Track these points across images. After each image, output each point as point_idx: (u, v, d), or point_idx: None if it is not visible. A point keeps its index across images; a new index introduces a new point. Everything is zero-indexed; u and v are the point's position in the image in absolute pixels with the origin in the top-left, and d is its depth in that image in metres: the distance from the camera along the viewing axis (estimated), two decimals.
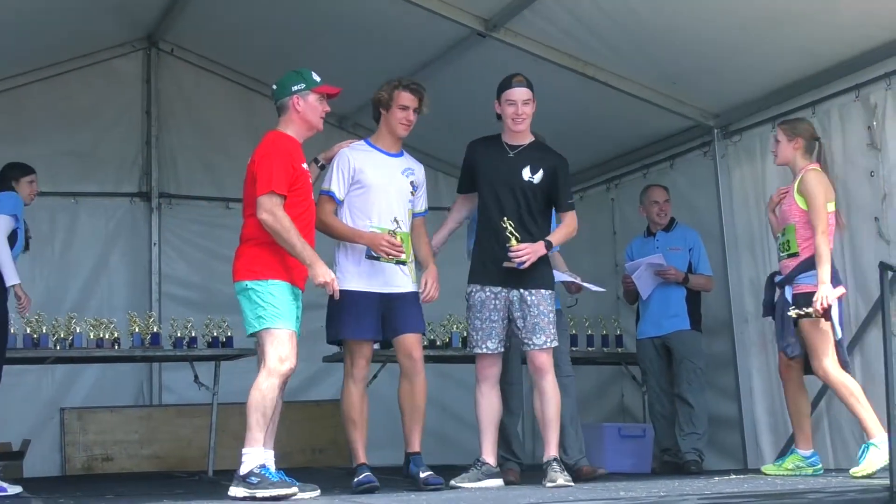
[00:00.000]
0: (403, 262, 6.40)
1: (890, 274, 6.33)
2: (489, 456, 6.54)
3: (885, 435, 6.23)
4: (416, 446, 6.49)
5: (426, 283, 6.52)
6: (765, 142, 8.01)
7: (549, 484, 6.23)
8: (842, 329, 6.56)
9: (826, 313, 6.40)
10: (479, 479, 6.42)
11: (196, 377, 8.36)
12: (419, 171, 6.66)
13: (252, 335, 5.98)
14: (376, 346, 6.70)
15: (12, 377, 9.38)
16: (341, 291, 6.16)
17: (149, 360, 9.48)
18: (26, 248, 7.87)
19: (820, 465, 6.73)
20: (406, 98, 6.48)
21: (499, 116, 6.62)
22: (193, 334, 8.43)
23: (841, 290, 6.52)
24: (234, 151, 10.32)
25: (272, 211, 5.81)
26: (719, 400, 8.50)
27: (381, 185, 6.44)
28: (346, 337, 6.40)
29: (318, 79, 6.15)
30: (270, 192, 5.83)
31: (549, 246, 6.46)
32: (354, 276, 6.37)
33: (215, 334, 8.43)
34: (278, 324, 5.82)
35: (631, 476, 7.58)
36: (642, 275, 8.23)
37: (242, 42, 10.01)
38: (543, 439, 6.51)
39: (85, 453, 9.65)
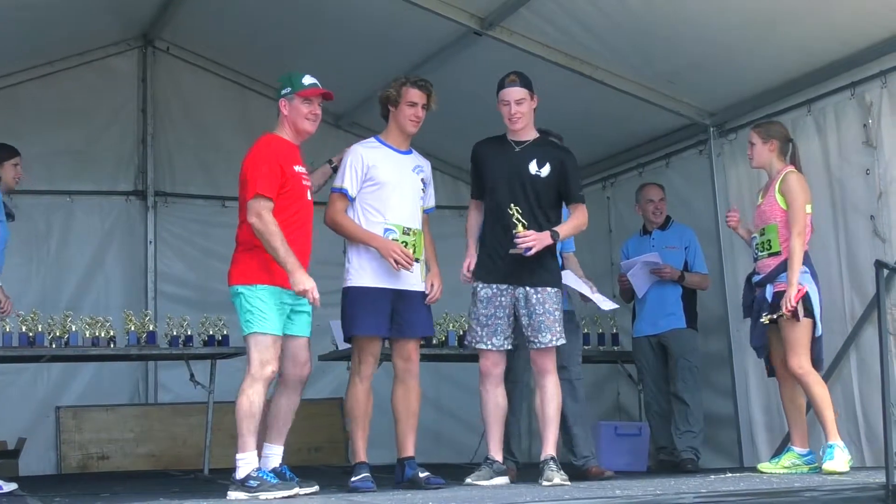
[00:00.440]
0: (416, 260, 6.41)
1: (886, 272, 6.35)
2: (497, 453, 6.55)
3: (840, 441, 6.49)
4: (410, 450, 6.49)
5: (432, 285, 6.51)
6: None
7: (545, 483, 6.23)
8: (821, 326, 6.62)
9: (795, 313, 6.47)
10: (492, 477, 6.44)
11: (192, 376, 8.35)
12: (427, 168, 6.66)
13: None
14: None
15: (8, 375, 9.43)
16: (355, 288, 6.28)
17: (144, 359, 9.48)
18: (11, 218, 7.63)
19: (816, 464, 6.74)
20: (414, 95, 6.47)
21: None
22: (189, 333, 8.43)
23: (806, 288, 6.56)
24: (229, 150, 10.30)
25: (260, 214, 5.87)
26: (715, 398, 8.51)
27: (394, 183, 6.43)
28: (358, 333, 6.36)
29: (307, 82, 6.17)
30: (257, 195, 5.89)
31: (555, 236, 6.44)
32: (369, 273, 6.35)
33: (211, 333, 8.42)
34: (262, 328, 5.89)
35: (627, 474, 7.58)
36: (638, 273, 8.23)
37: (238, 40, 10.01)
38: (542, 438, 6.51)
39: (80, 452, 9.65)
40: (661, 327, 8.24)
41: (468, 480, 6.40)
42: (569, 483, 6.23)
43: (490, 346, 6.49)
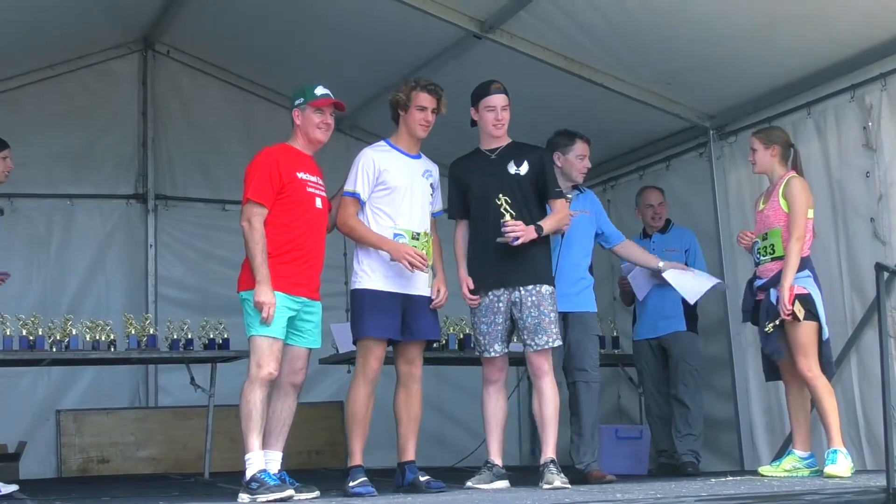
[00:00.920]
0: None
1: (886, 275, 6.35)
2: (497, 457, 6.55)
3: (808, 452, 6.58)
4: (411, 455, 6.48)
5: (439, 291, 6.51)
6: None
7: (545, 486, 6.23)
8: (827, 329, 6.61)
9: (795, 315, 6.47)
10: (493, 481, 6.43)
11: (192, 379, 8.35)
12: (436, 173, 6.66)
13: None
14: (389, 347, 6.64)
15: (8, 379, 9.43)
16: (366, 290, 6.31)
17: (145, 363, 9.48)
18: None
19: (817, 467, 6.74)
20: (424, 99, 6.47)
21: (473, 123, 6.67)
22: (189, 336, 8.42)
23: (795, 290, 6.54)
24: (229, 153, 10.34)
25: (249, 219, 6.02)
26: (716, 401, 8.51)
27: (404, 187, 6.42)
28: (368, 335, 6.34)
29: (319, 92, 6.28)
30: (249, 201, 6.02)
31: (539, 230, 6.46)
32: (379, 276, 6.35)
33: (211, 336, 8.42)
34: (260, 331, 5.96)
35: (627, 478, 7.57)
36: (638, 276, 8.22)
37: (238, 44, 10.01)
38: (541, 441, 6.51)
39: (81, 455, 9.65)
40: (661, 330, 8.23)
41: (468, 484, 6.40)
42: (569, 486, 6.22)
43: (493, 354, 6.51)
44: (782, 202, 6.68)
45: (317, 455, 10.01)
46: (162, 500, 6.10)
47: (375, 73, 9.17)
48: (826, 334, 6.59)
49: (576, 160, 7.34)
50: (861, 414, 7.21)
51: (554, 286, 6.57)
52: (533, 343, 6.43)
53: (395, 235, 6.36)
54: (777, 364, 6.81)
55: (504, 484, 6.45)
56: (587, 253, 7.38)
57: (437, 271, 6.54)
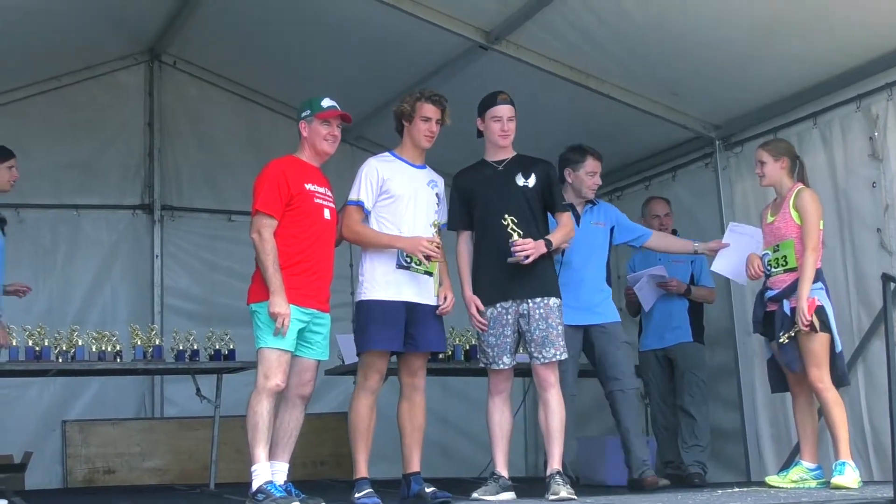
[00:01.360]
0: (430, 273, 6.38)
1: (893, 285, 6.33)
2: (503, 468, 6.53)
3: (815, 464, 6.56)
4: (416, 466, 6.47)
5: (446, 298, 6.49)
6: None
7: (551, 497, 6.20)
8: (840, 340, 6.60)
9: (813, 326, 6.46)
10: (498, 493, 6.42)
11: (198, 390, 8.35)
12: (441, 184, 6.65)
13: None
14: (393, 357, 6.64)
15: (14, 389, 9.44)
16: (369, 301, 6.29)
17: (150, 373, 9.48)
18: (2, 234, 7.54)
19: (824, 479, 6.71)
20: (429, 110, 6.47)
21: (479, 134, 6.68)
22: (195, 347, 8.42)
23: (817, 301, 6.53)
24: (236, 164, 10.36)
25: (259, 231, 6.03)
26: (722, 411, 8.49)
27: (409, 196, 6.42)
28: (369, 348, 6.32)
29: (326, 104, 6.30)
30: (258, 212, 6.04)
31: (548, 245, 6.46)
32: (383, 286, 6.33)
33: (217, 347, 8.41)
34: (267, 343, 5.98)
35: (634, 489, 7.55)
36: (644, 287, 8.21)
37: (244, 55, 10.03)
38: (547, 452, 6.50)
39: (86, 466, 9.64)
40: (667, 341, 8.22)
41: (474, 495, 6.39)
42: (575, 497, 6.21)
43: (502, 366, 6.50)
44: (794, 214, 6.67)
45: (322, 466, 9.99)
46: None
47: (381, 84, 9.17)
48: (839, 346, 6.58)
49: (586, 177, 7.35)
50: (868, 424, 7.19)
51: (560, 298, 6.57)
52: (540, 356, 6.42)
53: None
54: (784, 375, 6.80)
55: (510, 495, 6.43)
56: (603, 264, 7.39)
57: (443, 279, 6.53)
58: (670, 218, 8.44)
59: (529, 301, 6.44)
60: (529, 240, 6.39)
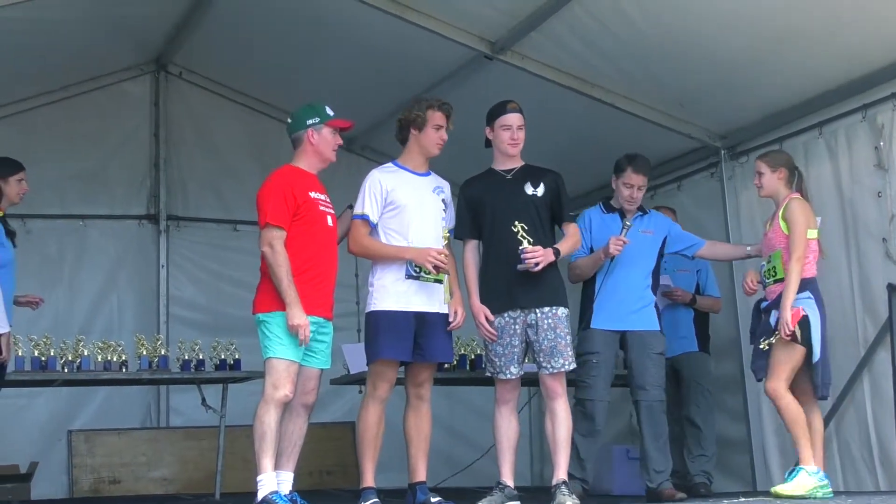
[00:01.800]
0: (441, 280, 6.37)
1: None
2: (509, 478, 6.53)
3: (817, 468, 6.41)
4: (422, 475, 6.46)
5: (456, 312, 6.48)
6: None
7: None
8: (822, 352, 6.52)
9: (794, 337, 6.42)
10: (504, 502, 6.42)
11: (203, 400, 8.35)
12: (447, 189, 6.64)
13: None
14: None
15: (20, 399, 9.44)
16: (378, 312, 6.29)
17: (156, 383, 9.48)
18: (13, 245, 7.53)
19: (827, 481, 6.66)
20: (440, 118, 6.46)
21: (487, 144, 6.68)
22: (201, 357, 8.42)
23: (801, 311, 6.50)
24: (241, 174, 10.37)
25: (270, 243, 6.00)
26: (728, 421, 8.48)
27: (414, 205, 6.41)
28: (379, 357, 6.32)
29: (331, 113, 6.30)
30: (267, 224, 6.02)
31: (556, 253, 6.47)
32: (393, 296, 6.32)
33: (223, 357, 8.42)
34: (276, 353, 5.98)
35: (639, 498, 7.55)
36: None
37: (250, 65, 10.05)
38: (553, 462, 6.49)
39: (92, 476, 9.64)
40: (673, 351, 8.18)
41: None
42: None
43: (508, 376, 6.49)
44: (782, 224, 6.65)
45: (328, 476, 9.99)
46: None
47: (387, 94, 9.18)
48: (817, 356, 6.51)
49: (622, 186, 7.29)
50: (874, 435, 7.17)
51: (568, 308, 6.56)
52: (549, 365, 6.42)
53: None
54: None
55: None
56: (648, 273, 7.31)
57: (454, 290, 6.52)
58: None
59: (537, 310, 6.44)
60: (539, 247, 6.40)
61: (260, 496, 5.83)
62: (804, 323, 6.48)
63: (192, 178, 10.65)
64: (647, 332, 7.23)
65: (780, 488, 6.39)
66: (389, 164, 6.61)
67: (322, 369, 6.25)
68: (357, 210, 6.43)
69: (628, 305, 7.19)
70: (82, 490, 9.56)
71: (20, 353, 7.90)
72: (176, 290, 10.45)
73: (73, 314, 10.05)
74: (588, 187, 9.41)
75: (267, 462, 5.87)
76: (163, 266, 10.42)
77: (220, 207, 10.61)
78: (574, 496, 6.29)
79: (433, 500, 6.33)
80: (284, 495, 5.91)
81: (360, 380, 7.74)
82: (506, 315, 6.47)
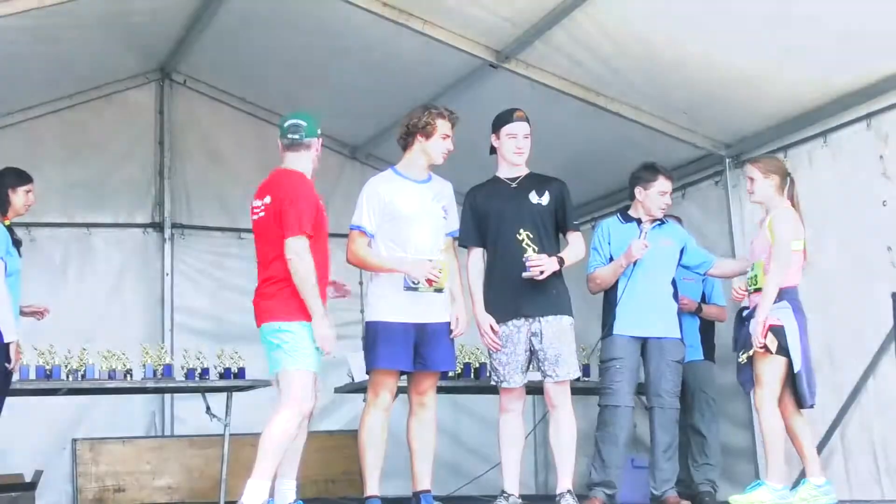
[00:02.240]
0: (440, 290, 6.36)
1: None
2: (513, 487, 6.53)
3: (783, 486, 6.39)
4: (427, 484, 6.46)
5: (458, 319, 6.47)
6: None
7: None
8: (804, 361, 6.50)
9: (766, 347, 6.40)
10: None
11: (208, 408, 8.34)
12: (447, 190, 6.62)
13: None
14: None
15: (25, 408, 9.40)
16: (377, 322, 6.30)
17: (161, 392, 9.48)
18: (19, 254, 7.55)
19: (833, 495, 6.66)
20: (447, 127, 6.47)
21: (492, 151, 6.68)
22: (205, 365, 8.42)
23: (770, 322, 6.46)
24: (246, 182, 10.29)
25: (299, 253, 5.88)
26: (732, 430, 8.46)
27: (412, 215, 6.40)
28: (380, 366, 6.33)
29: None
30: (299, 234, 5.90)
31: (561, 262, 6.49)
32: (391, 307, 6.33)
33: (227, 365, 8.42)
34: (308, 366, 5.95)
35: None
36: None
37: (255, 73, 10.06)
38: (557, 471, 6.49)
39: (97, 484, 9.63)
40: None
41: None
42: None
43: (513, 384, 6.50)
44: (769, 233, 6.63)
45: (333, 484, 9.98)
46: None
47: (391, 103, 9.19)
48: (797, 367, 6.48)
49: (657, 196, 7.32)
50: (879, 444, 7.16)
51: (573, 317, 6.56)
52: (554, 374, 6.42)
53: None
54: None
55: None
56: (667, 281, 7.34)
57: (457, 297, 6.50)
58: None
59: (542, 319, 6.44)
60: (544, 255, 6.40)
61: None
62: (779, 332, 6.44)
63: (196, 187, 10.66)
64: (668, 339, 7.23)
65: (736, 498, 6.34)
66: (388, 172, 6.60)
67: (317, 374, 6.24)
68: (355, 221, 6.42)
69: (651, 312, 7.19)
70: (87, 499, 9.56)
71: (24, 363, 7.89)
72: (180, 298, 10.44)
73: (77, 322, 10.03)
74: (593, 195, 9.42)
75: (268, 469, 5.83)
76: (167, 274, 10.42)
77: (225, 215, 10.61)
78: None
79: None
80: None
81: (364, 388, 7.75)
82: (510, 324, 6.48)
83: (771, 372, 6.45)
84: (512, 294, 6.46)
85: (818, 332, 7.37)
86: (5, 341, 6.69)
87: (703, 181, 8.90)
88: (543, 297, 6.46)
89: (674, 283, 7.40)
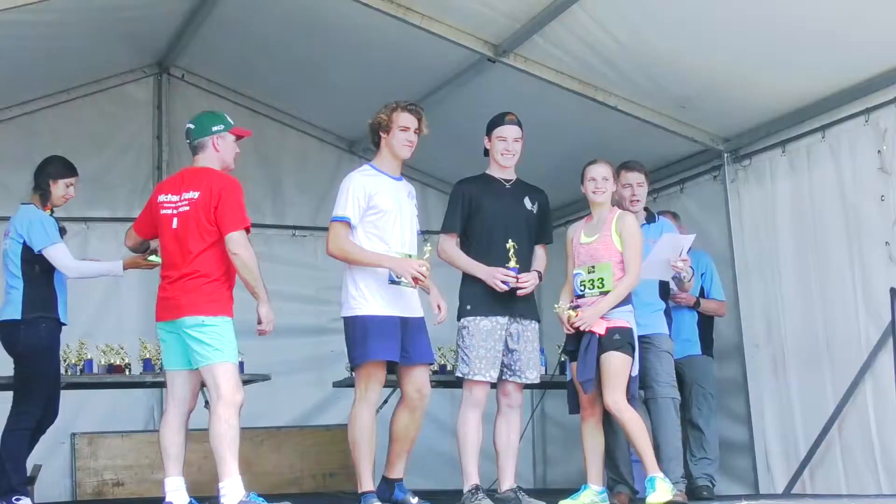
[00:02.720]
0: (413, 286, 6.42)
1: None
2: (477, 479, 6.58)
3: (659, 472, 6.40)
4: (401, 473, 6.54)
5: (440, 307, 6.51)
6: (774, 166, 8.03)
7: None
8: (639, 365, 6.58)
9: (615, 343, 6.44)
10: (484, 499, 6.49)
11: (206, 403, 8.34)
12: (414, 192, 6.76)
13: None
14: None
15: None
16: (365, 317, 6.31)
17: (159, 386, 9.47)
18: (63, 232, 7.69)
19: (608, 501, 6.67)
20: (406, 119, 6.50)
21: (486, 153, 6.74)
22: None
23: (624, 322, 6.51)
24: (243, 176, 10.20)
25: (246, 245, 6.07)
26: (730, 425, 8.47)
27: (394, 210, 6.45)
28: (370, 358, 6.33)
29: (232, 122, 6.44)
30: (242, 228, 6.08)
31: (540, 277, 6.70)
32: (378, 300, 6.35)
33: None
34: (233, 359, 6.20)
35: (641, 501, 7.53)
36: (654, 265, 7.89)
37: (252, 67, 10.06)
38: (501, 469, 6.63)
39: (96, 478, 9.64)
40: (676, 354, 8.13)
41: None
42: None
43: (487, 378, 6.55)
44: (615, 237, 6.56)
45: (331, 478, 9.99)
46: None
47: (389, 96, 9.06)
48: (635, 371, 6.52)
49: (621, 188, 7.25)
50: (876, 438, 7.17)
51: (540, 322, 6.78)
52: (522, 375, 6.55)
53: None
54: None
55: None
56: (653, 281, 7.30)
57: (431, 287, 6.53)
58: (683, 230, 8.42)
59: (521, 321, 6.59)
60: (534, 273, 6.60)
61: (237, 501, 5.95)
62: (629, 333, 6.49)
63: None
64: (655, 335, 7.25)
65: (652, 499, 6.35)
66: (367, 167, 6.64)
67: None
68: (338, 212, 6.42)
69: (639, 312, 7.18)
70: (86, 493, 9.57)
71: None
72: None
73: (76, 317, 9.95)
74: None
75: (235, 465, 5.86)
76: None
77: None
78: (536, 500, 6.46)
79: (412, 500, 6.36)
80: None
81: None
82: (492, 319, 6.55)
83: (623, 373, 6.47)
84: (495, 292, 6.53)
85: (817, 327, 7.39)
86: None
87: (702, 176, 8.91)
88: (524, 300, 6.64)
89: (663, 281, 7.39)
